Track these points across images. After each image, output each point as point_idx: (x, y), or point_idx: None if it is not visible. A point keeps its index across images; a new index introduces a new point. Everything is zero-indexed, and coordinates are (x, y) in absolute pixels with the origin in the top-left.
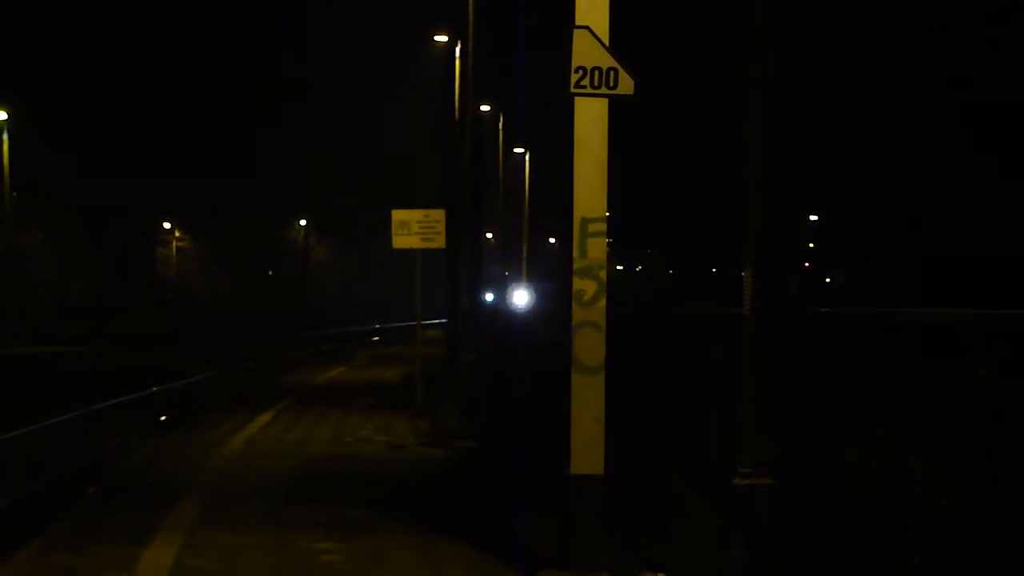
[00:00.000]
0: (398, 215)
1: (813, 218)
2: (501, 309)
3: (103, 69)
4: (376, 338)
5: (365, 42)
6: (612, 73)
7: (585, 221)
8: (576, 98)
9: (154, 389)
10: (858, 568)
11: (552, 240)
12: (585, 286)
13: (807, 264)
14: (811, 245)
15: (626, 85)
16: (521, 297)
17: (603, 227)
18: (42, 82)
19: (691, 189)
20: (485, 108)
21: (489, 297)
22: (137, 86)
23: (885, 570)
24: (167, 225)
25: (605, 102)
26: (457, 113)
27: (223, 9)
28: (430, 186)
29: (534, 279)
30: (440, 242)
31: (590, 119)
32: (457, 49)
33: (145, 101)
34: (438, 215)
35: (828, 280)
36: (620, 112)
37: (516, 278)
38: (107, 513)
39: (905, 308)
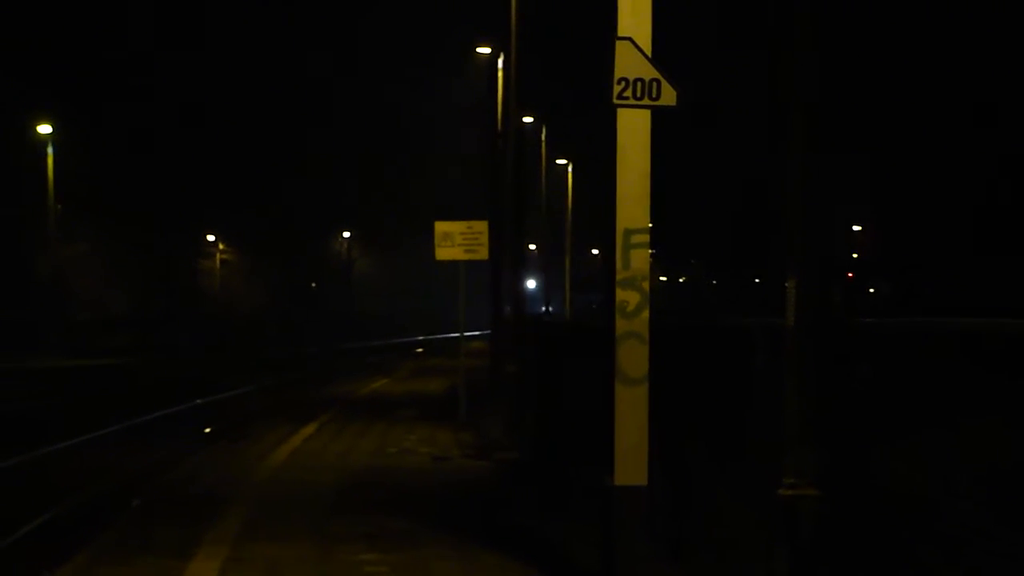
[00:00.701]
0: (441, 227)
1: (856, 228)
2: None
3: (147, 84)
4: (419, 350)
5: (410, 55)
6: (654, 84)
7: (628, 232)
8: (618, 109)
9: (198, 401)
10: None
11: (595, 251)
12: (628, 297)
13: (850, 274)
14: (855, 255)
15: (668, 96)
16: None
17: (646, 238)
18: (88, 95)
19: (735, 199)
20: (528, 120)
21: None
22: (183, 100)
23: None
24: (211, 237)
25: (648, 113)
26: (500, 125)
27: (269, 25)
28: (473, 198)
29: (578, 290)
30: (483, 254)
31: (632, 130)
32: (500, 61)
33: (192, 115)
34: (481, 227)
35: (872, 290)
36: (663, 122)
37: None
38: (152, 525)
39: (950, 318)
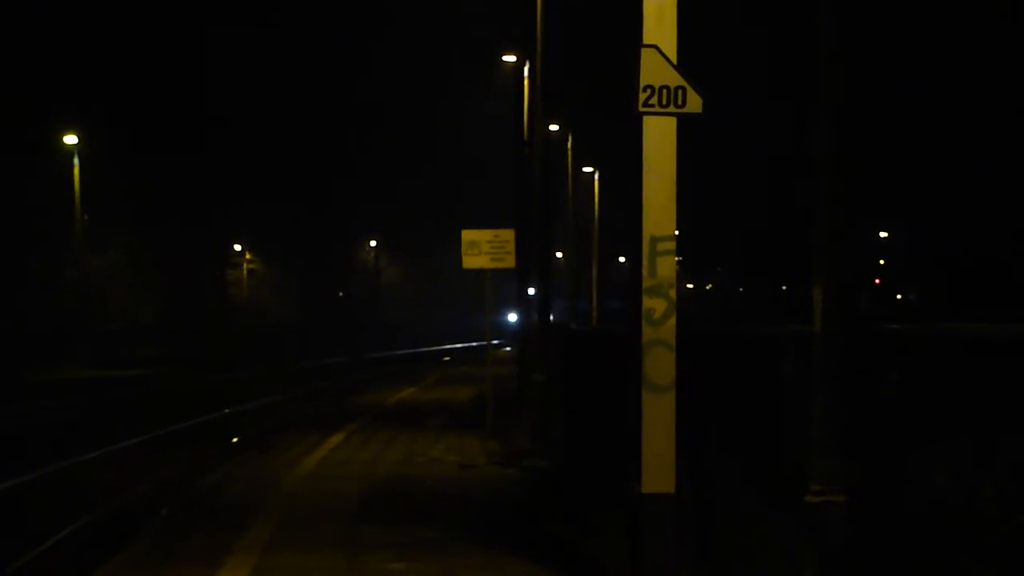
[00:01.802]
0: (468, 235)
1: (883, 234)
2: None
3: (174, 96)
4: (447, 358)
5: (435, 64)
6: (680, 92)
7: (654, 239)
8: (644, 117)
9: (226, 411)
10: None
11: (622, 259)
12: (655, 304)
13: (878, 280)
14: (881, 262)
15: (694, 103)
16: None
17: (672, 245)
18: (113, 106)
19: (761, 206)
20: (554, 127)
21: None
22: (209, 110)
23: None
24: (238, 247)
25: (673, 120)
26: (526, 133)
27: (295, 34)
28: (499, 206)
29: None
30: (510, 262)
31: (658, 137)
32: (526, 69)
33: (219, 125)
34: (508, 235)
35: (899, 297)
36: (690, 129)
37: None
38: (180, 534)
39: (978, 324)
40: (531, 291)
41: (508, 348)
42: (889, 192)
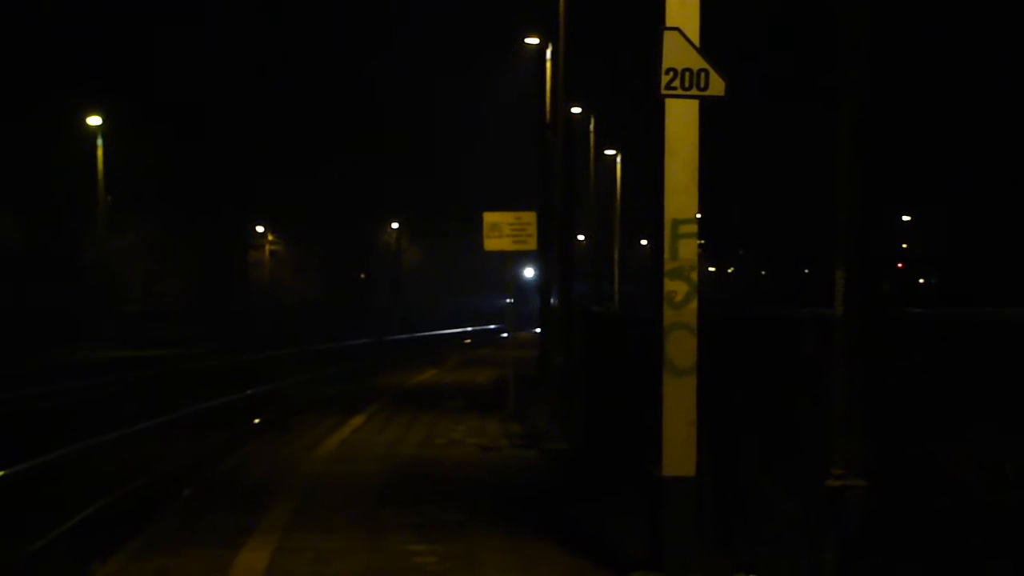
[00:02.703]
0: (490, 217)
1: (906, 219)
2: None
3: (195, 75)
4: (468, 340)
5: (455, 46)
6: (703, 74)
7: (676, 222)
8: (667, 100)
9: (248, 392)
10: (950, 571)
11: (644, 242)
12: (676, 288)
13: (900, 265)
14: (904, 246)
15: (717, 86)
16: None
17: (694, 228)
18: (137, 87)
19: (784, 189)
20: (576, 110)
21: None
22: (232, 91)
23: (978, 573)
24: (260, 228)
25: (696, 103)
26: (548, 116)
27: (313, 19)
28: (521, 188)
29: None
30: (532, 244)
31: (681, 120)
32: (548, 51)
33: (242, 106)
34: (529, 217)
35: (921, 281)
36: (713, 112)
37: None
38: (202, 515)
39: (1003, 308)
40: (527, 273)
41: (538, 329)
42: (912, 176)
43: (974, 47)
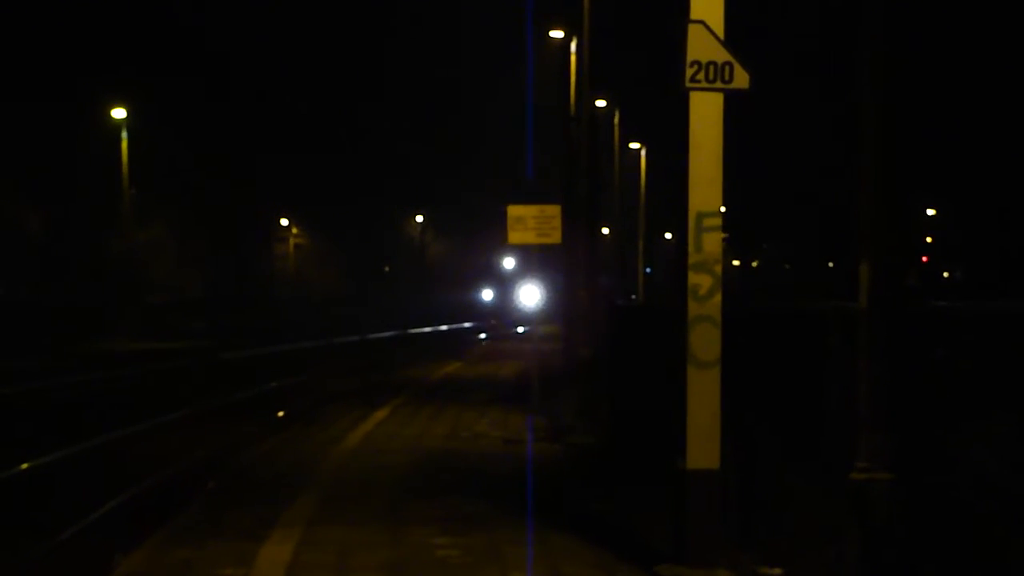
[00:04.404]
0: (514, 211)
1: (931, 212)
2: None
3: (221, 67)
4: (492, 334)
5: (482, 40)
6: (727, 67)
7: (700, 216)
8: (691, 93)
9: (272, 385)
10: (975, 566)
11: (668, 235)
12: (701, 281)
13: (925, 258)
14: (928, 239)
15: (741, 79)
16: (530, 295)
17: (718, 222)
18: (161, 80)
19: (808, 183)
20: (601, 104)
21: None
22: (258, 84)
23: (1004, 569)
24: (284, 222)
25: (720, 96)
26: (573, 109)
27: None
28: (543, 182)
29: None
30: (556, 238)
31: (705, 114)
32: (573, 45)
33: (265, 95)
34: (554, 211)
35: (946, 275)
36: (738, 106)
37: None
38: (226, 508)
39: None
40: (507, 264)
41: (521, 329)
42: (937, 169)
43: (1004, 35)
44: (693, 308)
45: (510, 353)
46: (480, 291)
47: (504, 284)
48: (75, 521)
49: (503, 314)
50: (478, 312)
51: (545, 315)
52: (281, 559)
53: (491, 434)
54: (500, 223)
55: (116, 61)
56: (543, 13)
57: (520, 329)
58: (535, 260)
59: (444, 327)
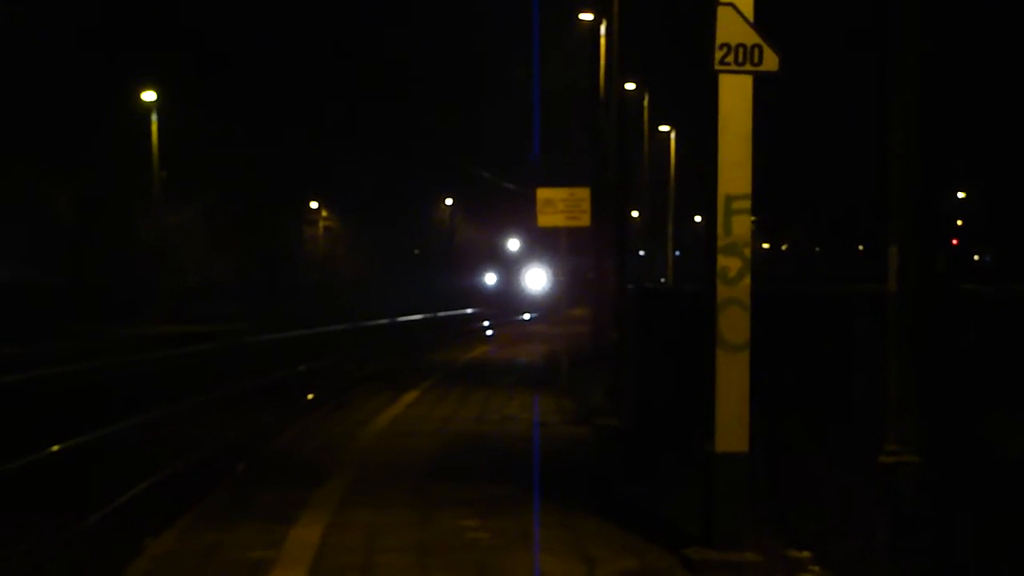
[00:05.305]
0: (543, 193)
1: (961, 195)
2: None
3: (250, 50)
4: (531, 314)
5: (511, 24)
6: (756, 50)
7: (729, 198)
8: (720, 75)
9: (301, 368)
10: (1006, 550)
11: (698, 219)
12: (730, 263)
13: (955, 241)
14: (959, 223)
15: (771, 62)
16: (536, 280)
17: (747, 204)
18: (191, 60)
19: (840, 165)
20: (630, 86)
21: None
22: (288, 69)
23: None
24: (314, 205)
25: (749, 79)
26: (602, 92)
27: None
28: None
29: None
30: (585, 220)
31: (734, 96)
32: (602, 28)
33: (288, 80)
34: (583, 193)
35: (976, 258)
36: (768, 88)
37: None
38: (255, 490)
39: None
40: (512, 246)
41: (527, 316)
42: (967, 152)
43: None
44: (722, 291)
45: (539, 336)
46: (485, 275)
47: (508, 268)
48: (105, 504)
49: (505, 301)
50: (485, 298)
51: (553, 300)
52: (310, 541)
53: (520, 416)
54: (507, 204)
55: (147, 42)
56: None
57: (526, 316)
58: (545, 242)
59: (469, 310)
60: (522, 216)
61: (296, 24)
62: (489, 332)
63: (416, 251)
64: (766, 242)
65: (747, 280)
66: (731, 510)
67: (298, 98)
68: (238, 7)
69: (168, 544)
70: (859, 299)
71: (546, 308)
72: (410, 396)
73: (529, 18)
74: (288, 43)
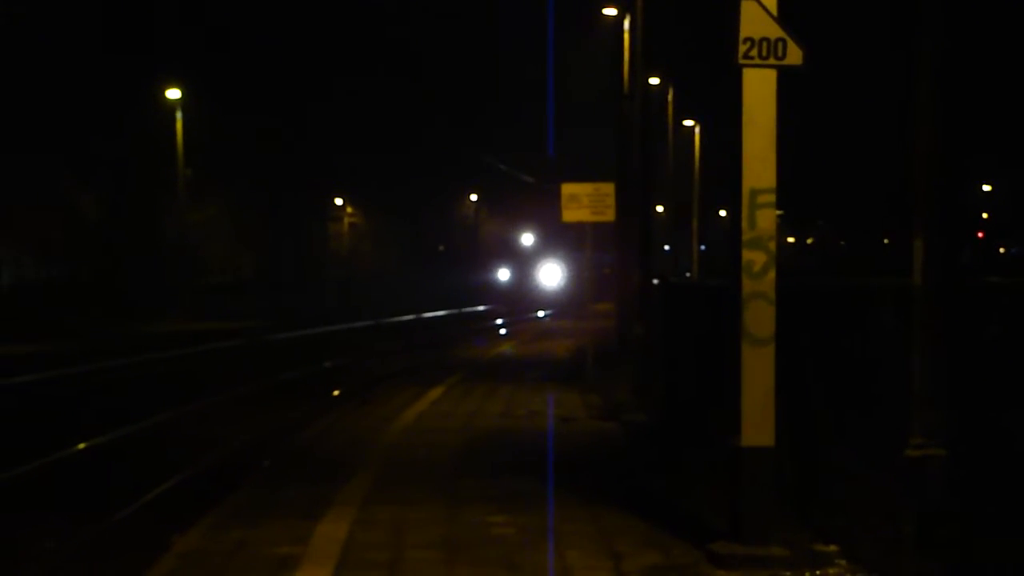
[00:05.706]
0: (568, 188)
1: (987, 188)
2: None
3: (273, 47)
4: (546, 311)
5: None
6: (780, 44)
7: (754, 192)
8: (744, 69)
9: (327, 364)
10: None
11: (723, 213)
12: (755, 257)
13: (980, 234)
14: (984, 215)
15: (794, 55)
16: (551, 275)
17: (772, 198)
18: (217, 58)
19: (864, 159)
20: (654, 81)
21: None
22: (311, 65)
23: None
24: (339, 201)
25: (774, 73)
26: (626, 87)
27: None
28: (599, 159)
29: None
30: (610, 215)
31: (758, 90)
32: (626, 23)
33: (319, 78)
34: (608, 188)
35: (1001, 250)
36: (793, 81)
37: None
38: (281, 486)
39: None
40: (526, 240)
41: (541, 313)
42: (995, 146)
43: None
44: (747, 285)
45: (563, 332)
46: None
47: (522, 263)
48: (132, 500)
49: (518, 297)
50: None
51: (571, 295)
52: (337, 537)
53: (546, 412)
54: (523, 197)
55: (172, 39)
56: None
57: (540, 314)
58: (560, 238)
59: (481, 308)
60: (537, 210)
61: (315, 20)
62: (503, 332)
63: (441, 247)
64: (791, 236)
65: (772, 274)
66: (757, 504)
67: (321, 93)
68: (262, 5)
69: (195, 541)
70: (884, 292)
71: (562, 305)
72: (436, 392)
73: (544, 15)
74: (301, 39)
